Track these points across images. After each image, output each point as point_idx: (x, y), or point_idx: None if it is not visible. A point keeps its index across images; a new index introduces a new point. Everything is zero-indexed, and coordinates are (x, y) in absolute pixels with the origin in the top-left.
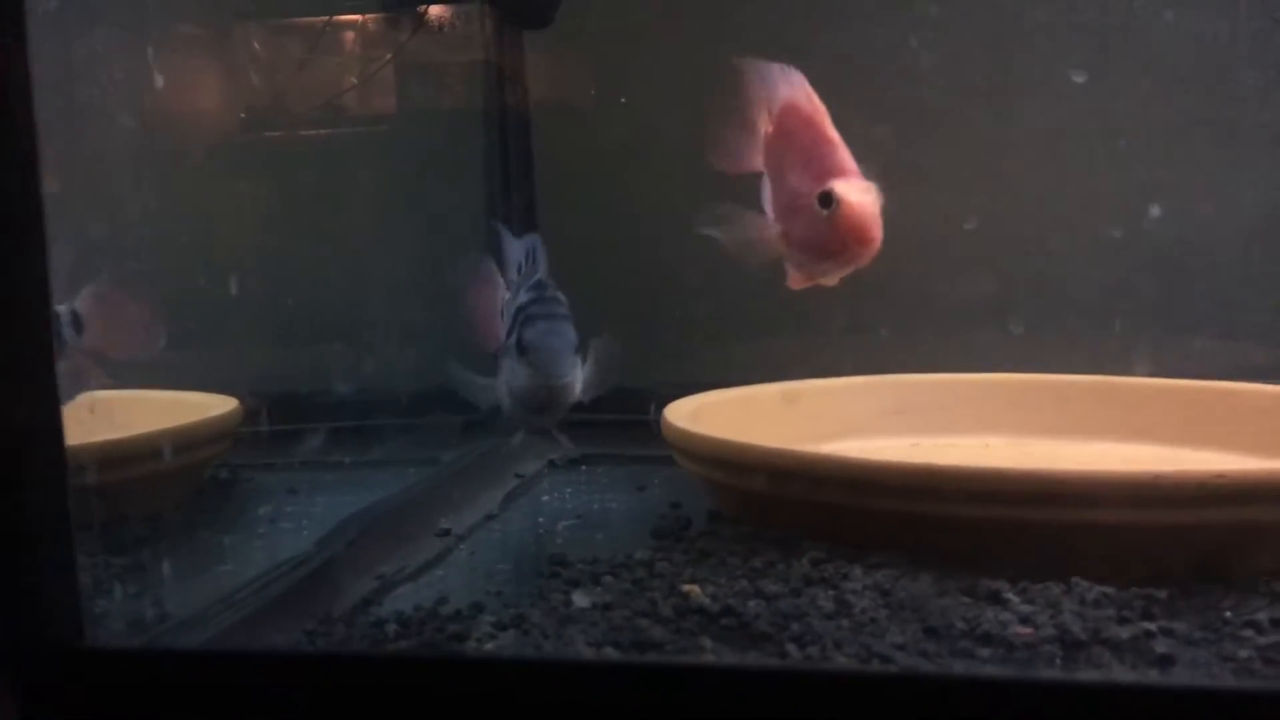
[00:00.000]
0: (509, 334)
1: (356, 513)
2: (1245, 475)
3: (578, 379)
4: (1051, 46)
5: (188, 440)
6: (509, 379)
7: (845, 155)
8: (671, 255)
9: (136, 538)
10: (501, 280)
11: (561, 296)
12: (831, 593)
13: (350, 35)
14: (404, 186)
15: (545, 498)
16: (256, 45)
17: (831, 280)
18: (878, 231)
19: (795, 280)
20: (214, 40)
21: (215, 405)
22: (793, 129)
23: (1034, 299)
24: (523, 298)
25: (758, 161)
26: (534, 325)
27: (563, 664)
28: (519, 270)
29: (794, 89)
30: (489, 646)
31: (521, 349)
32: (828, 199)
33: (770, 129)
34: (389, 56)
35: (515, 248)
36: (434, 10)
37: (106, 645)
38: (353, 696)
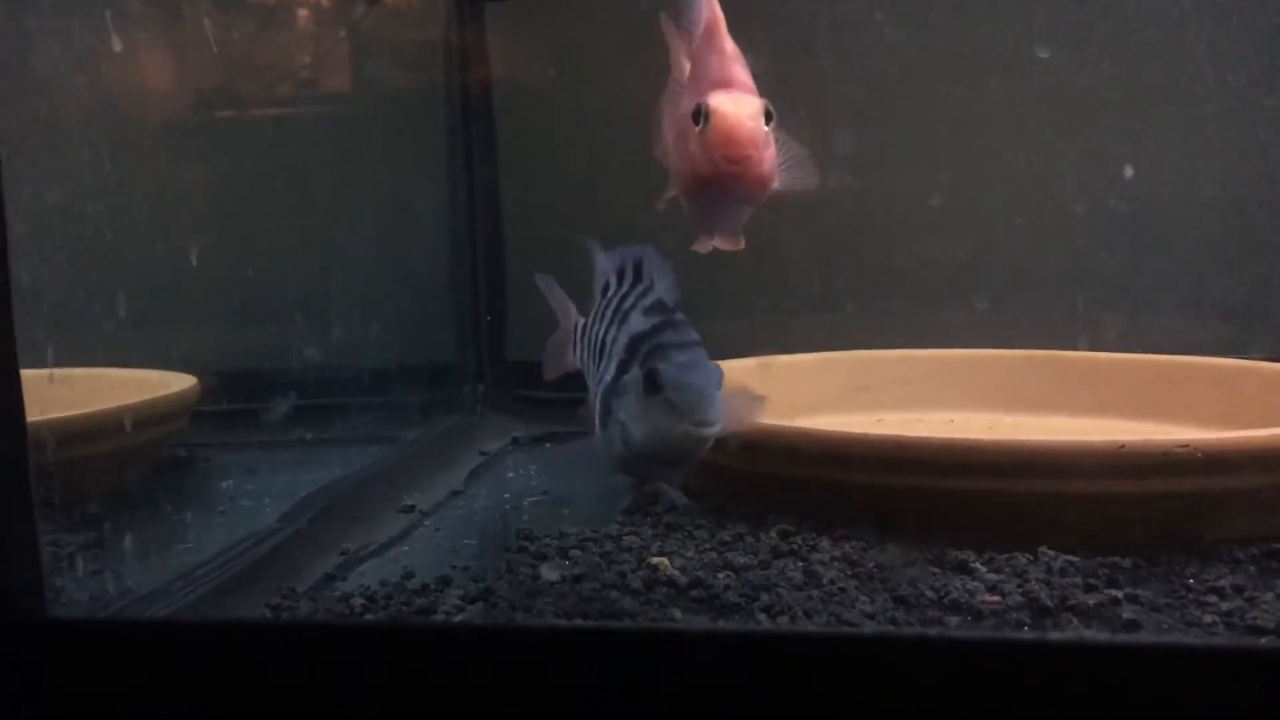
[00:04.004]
0: (621, 369)
1: (319, 489)
2: (1209, 444)
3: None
4: (1017, 22)
5: (141, 417)
6: (633, 424)
7: (735, 67)
8: (638, 233)
9: (90, 516)
10: (569, 303)
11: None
12: (800, 564)
13: (307, 14)
14: (365, 164)
15: (510, 475)
16: (210, 24)
17: (732, 239)
18: (754, 150)
19: (699, 242)
20: (172, 18)
21: (171, 383)
22: (698, 52)
23: (998, 275)
24: (640, 323)
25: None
26: (668, 357)
27: (535, 630)
28: (605, 290)
29: (710, 9)
30: (458, 619)
31: (654, 387)
32: (700, 113)
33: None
34: (347, 35)
35: (603, 262)
36: None
37: (68, 616)
38: (317, 665)
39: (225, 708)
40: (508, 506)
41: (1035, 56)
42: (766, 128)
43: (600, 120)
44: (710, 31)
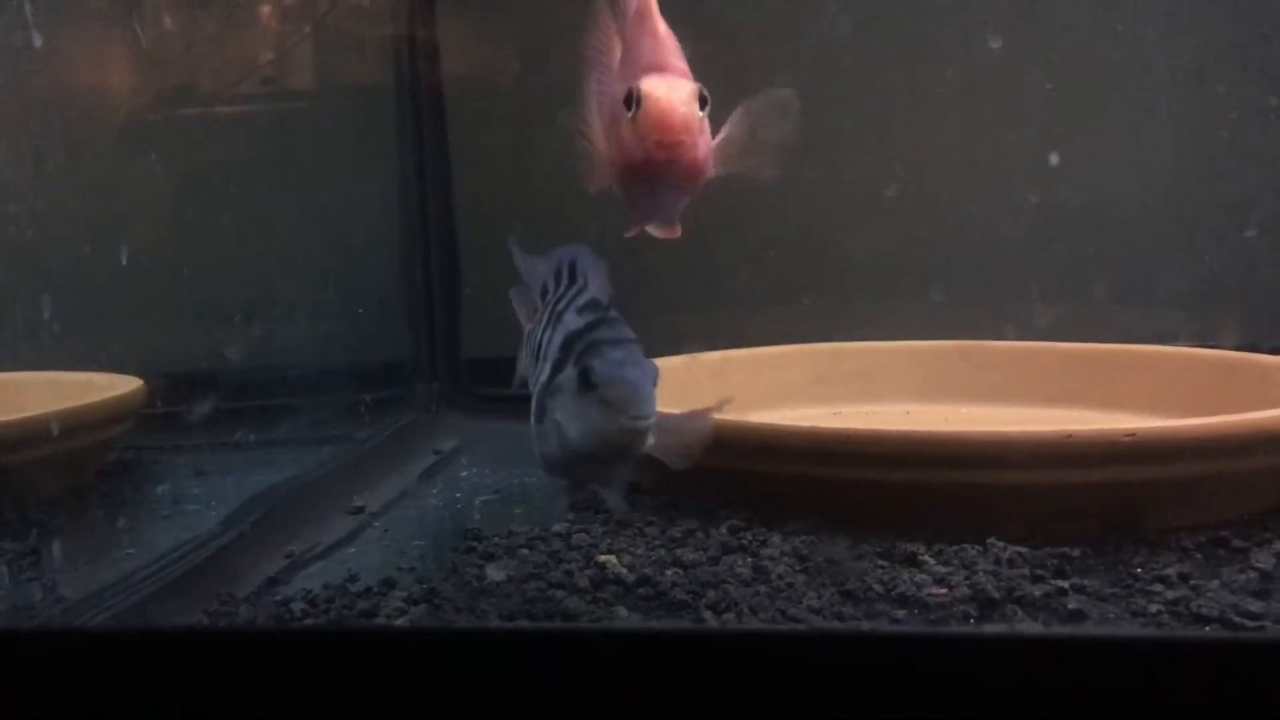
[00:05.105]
0: (556, 369)
1: (263, 491)
2: (1155, 433)
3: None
4: (969, 12)
5: (80, 421)
6: (569, 422)
7: (666, 51)
8: (593, 230)
9: (29, 522)
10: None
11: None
12: (750, 559)
13: (254, 10)
14: (315, 160)
15: (464, 473)
16: (161, 18)
17: (668, 228)
18: (686, 135)
19: (631, 226)
20: (111, 12)
21: (116, 385)
22: (629, 38)
23: (954, 266)
24: (574, 322)
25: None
26: (602, 354)
27: (474, 633)
28: (544, 293)
29: None
30: (400, 622)
31: (588, 383)
32: (632, 99)
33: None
34: (297, 32)
35: (539, 266)
36: None
37: None
38: (250, 672)
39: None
40: (459, 506)
41: (988, 46)
42: (701, 113)
43: (553, 114)
44: (641, 15)
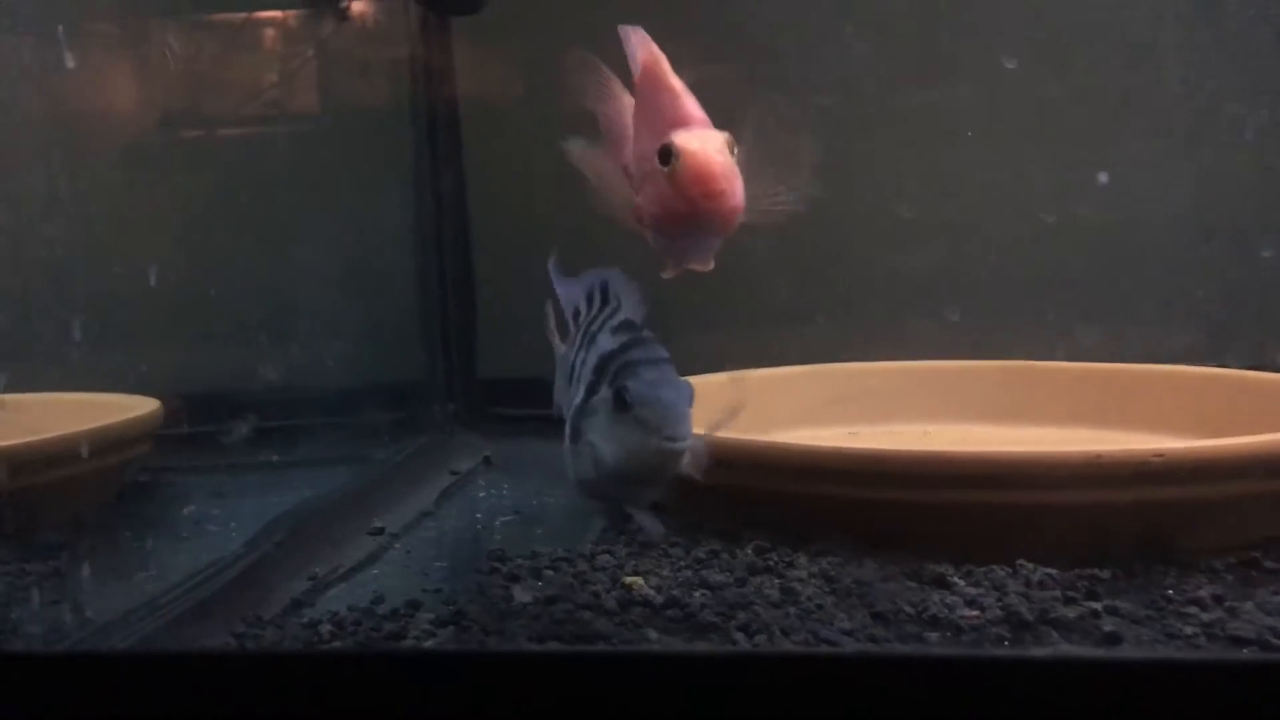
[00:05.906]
0: (590, 390)
1: (285, 512)
2: (1184, 453)
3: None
4: (986, 32)
5: (100, 443)
6: (604, 444)
7: (687, 104)
8: (607, 251)
9: (49, 545)
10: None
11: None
12: (777, 581)
13: (271, 31)
14: (331, 181)
15: (482, 494)
16: (174, 42)
17: (705, 263)
18: (727, 184)
19: (668, 268)
20: (131, 37)
21: (133, 406)
22: (643, 92)
23: (971, 285)
24: (607, 343)
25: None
26: (637, 374)
27: (506, 656)
28: (576, 316)
29: (644, 48)
30: (429, 644)
31: (624, 404)
32: (668, 154)
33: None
34: (311, 53)
35: (571, 289)
36: (356, 5)
37: (21, 650)
38: (282, 696)
39: None
40: (479, 527)
41: (1004, 66)
42: (731, 158)
43: (566, 134)
44: (653, 70)
